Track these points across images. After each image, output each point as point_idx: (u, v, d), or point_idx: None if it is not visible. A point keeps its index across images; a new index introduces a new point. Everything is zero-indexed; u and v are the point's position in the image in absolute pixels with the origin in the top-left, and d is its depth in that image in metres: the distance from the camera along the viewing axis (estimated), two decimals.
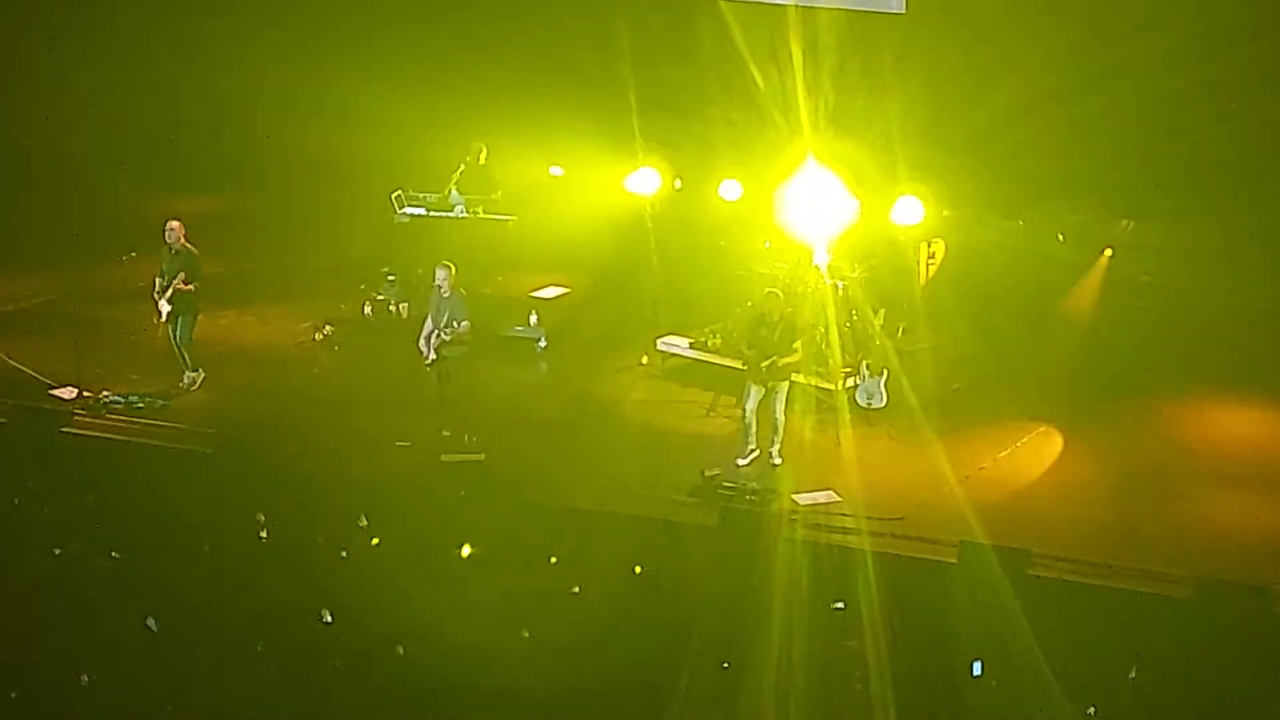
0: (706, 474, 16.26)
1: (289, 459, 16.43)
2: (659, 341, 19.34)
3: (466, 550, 14.88)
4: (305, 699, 12.80)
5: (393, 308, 20.28)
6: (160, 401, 17.83)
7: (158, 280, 17.90)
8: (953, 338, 18.75)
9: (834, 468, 16.63)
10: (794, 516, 15.54)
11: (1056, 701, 12.81)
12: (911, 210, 18.56)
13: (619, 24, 22.49)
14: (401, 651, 13.28)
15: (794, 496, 15.96)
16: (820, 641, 13.40)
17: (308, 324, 20.26)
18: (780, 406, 16.58)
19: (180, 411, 17.70)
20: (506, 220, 20.79)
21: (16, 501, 15.52)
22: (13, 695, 12.67)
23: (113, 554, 14.53)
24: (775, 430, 16.62)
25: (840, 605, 13.95)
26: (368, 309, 20.35)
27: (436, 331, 16.83)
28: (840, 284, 18.91)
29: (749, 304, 16.79)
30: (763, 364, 16.37)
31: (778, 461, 16.62)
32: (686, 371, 19.00)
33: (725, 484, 16.10)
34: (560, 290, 21.33)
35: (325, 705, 12.78)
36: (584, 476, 16.25)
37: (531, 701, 12.80)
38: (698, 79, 22.00)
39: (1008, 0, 20.90)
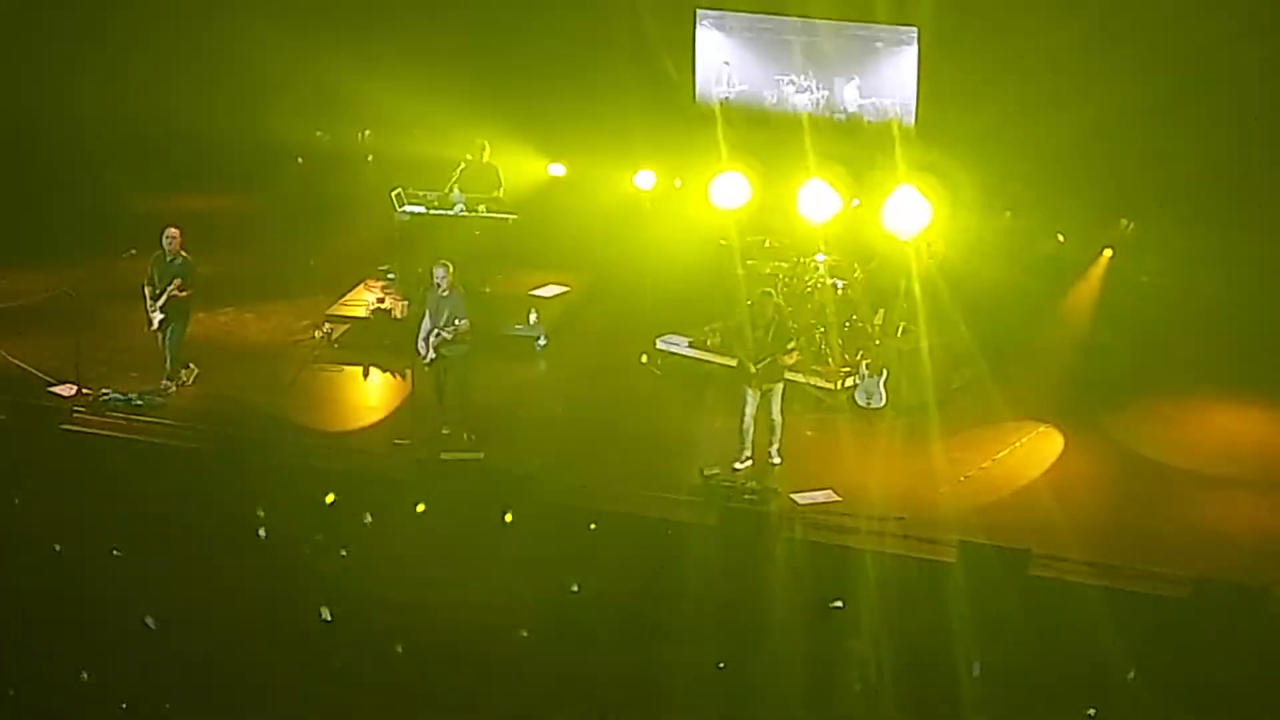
0: (705, 473, 16.26)
1: (288, 456, 16.44)
2: (658, 340, 19.33)
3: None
4: (305, 696, 12.80)
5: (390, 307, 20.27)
6: (159, 399, 17.82)
7: (147, 289, 17.79)
8: (952, 338, 18.74)
9: (833, 467, 16.62)
10: (793, 516, 15.53)
11: (1056, 702, 12.82)
12: (912, 209, 18.53)
13: (618, 24, 22.56)
14: (400, 650, 13.28)
15: (793, 496, 15.95)
16: (819, 641, 13.40)
17: (307, 322, 20.26)
18: (777, 407, 16.54)
19: (179, 409, 17.69)
20: (507, 219, 20.75)
21: (16, 500, 15.50)
22: (11, 692, 12.67)
23: (114, 551, 14.52)
24: (774, 430, 16.60)
25: (839, 604, 13.96)
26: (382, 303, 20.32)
27: (436, 330, 16.81)
28: (840, 283, 18.93)
29: (748, 304, 16.76)
30: (754, 366, 16.34)
31: (776, 461, 16.61)
32: (686, 370, 18.99)
33: (724, 483, 16.09)
34: (560, 289, 21.32)
35: (325, 703, 12.78)
36: (583, 475, 16.23)
37: (529, 700, 12.80)
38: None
39: (1009, 3, 20.97)
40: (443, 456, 16.62)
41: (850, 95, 21.99)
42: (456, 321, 16.73)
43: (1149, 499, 16.15)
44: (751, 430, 16.50)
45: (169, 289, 17.59)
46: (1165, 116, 19.74)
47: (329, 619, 13.68)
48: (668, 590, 13.97)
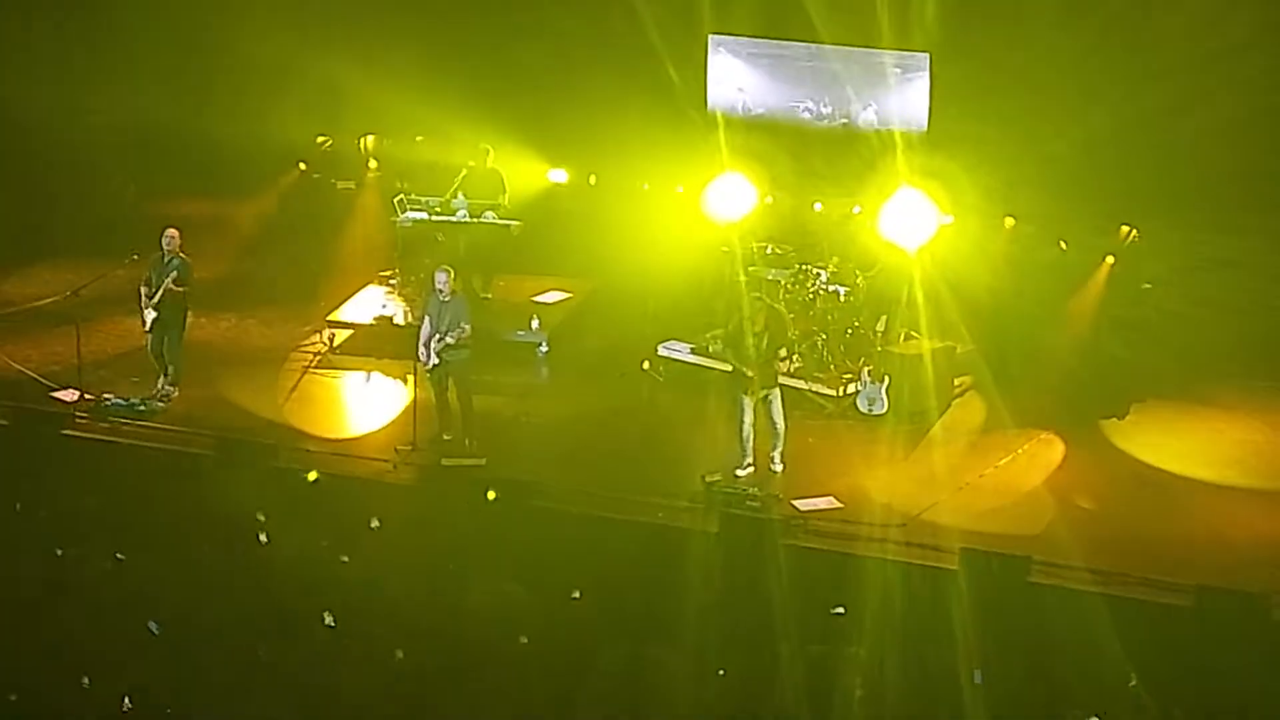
0: (707, 479, 16.25)
1: (290, 462, 16.44)
2: (660, 347, 19.33)
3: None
4: (307, 702, 12.79)
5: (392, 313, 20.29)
6: (161, 404, 17.81)
7: (144, 289, 17.76)
8: (954, 344, 18.73)
9: (835, 473, 16.62)
10: (795, 522, 15.52)
11: (1057, 709, 12.80)
12: (915, 215, 18.53)
13: (621, 29, 22.58)
14: (401, 655, 13.27)
15: (794, 502, 15.94)
16: (820, 647, 13.38)
17: (309, 327, 20.27)
18: (779, 413, 16.51)
19: (182, 415, 17.68)
20: (510, 225, 20.75)
21: (17, 504, 15.49)
22: (12, 698, 12.66)
23: (116, 556, 14.52)
24: (776, 437, 16.59)
25: (840, 611, 13.95)
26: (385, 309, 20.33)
27: (438, 335, 16.80)
28: (842, 290, 18.93)
29: (743, 310, 16.78)
30: (749, 372, 16.32)
31: (779, 468, 16.59)
32: (688, 377, 18.98)
33: (726, 489, 16.08)
34: (562, 295, 21.32)
35: (327, 708, 12.77)
36: (585, 481, 16.22)
37: (530, 707, 12.79)
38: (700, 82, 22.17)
39: (1011, 6, 20.98)
40: (444, 463, 16.63)
41: (867, 121, 22.03)
42: (460, 327, 16.73)
43: (1151, 506, 16.14)
44: (752, 437, 16.49)
45: (165, 283, 17.56)
46: (1168, 124, 19.77)
47: (332, 624, 13.65)
48: (669, 597, 13.94)
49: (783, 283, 19.27)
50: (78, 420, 17.38)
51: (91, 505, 15.62)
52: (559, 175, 23.37)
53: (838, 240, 19.97)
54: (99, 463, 16.74)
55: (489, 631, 13.48)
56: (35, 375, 18.45)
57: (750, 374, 16.28)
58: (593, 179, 23.37)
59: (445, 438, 17.10)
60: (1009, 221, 21.41)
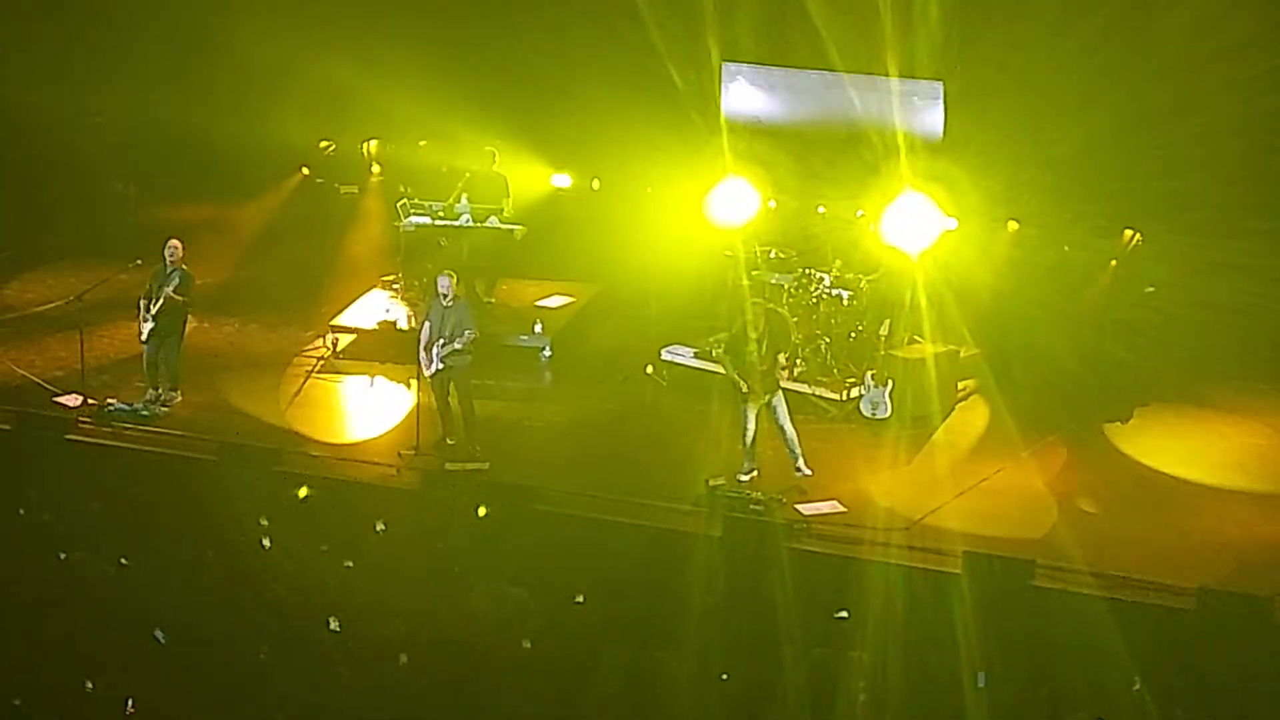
0: (710, 483, 16.23)
1: (294, 467, 16.45)
2: (663, 351, 19.34)
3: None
4: (310, 706, 12.79)
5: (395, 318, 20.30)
6: (164, 409, 17.83)
7: (143, 301, 17.77)
8: (957, 348, 18.73)
9: (838, 477, 16.61)
10: (798, 526, 15.52)
11: (1061, 713, 12.79)
12: (918, 219, 18.54)
13: (625, 33, 22.58)
14: (404, 660, 13.28)
15: (798, 506, 15.93)
16: (823, 651, 13.37)
17: (312, 332, 20.28)
18: (784, 416, 16.46)
19: (185, 419, 17.70)
20: (513, 230, 20.76)
21: (21, 509, 15.51)
22: (16, 703, 12.66)
23: (121, 560, 14.52)
24: (790, 443, 16.47)
25: (844, 615, 13.94)
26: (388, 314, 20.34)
27: (442, 340, 16.80)
28: (846, 294, 18.93)
29: (744, 315, 16.78)
30: (748, 380, 16.30)
31: (807, 473, 16.44)
32: (691, 381, 18.98)
33: (729, 494, 16.08)
34: (565, 299, 21.33)
35: (330, 712, 12.77)
36: (588, 485, 16.23)
37: (533, 711, 12.79)
38: (704, 86, 22.15)
39: (1014, 10, 20.97)
40: (448, 467, 16.63)
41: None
42: (465, 332, 16.73)
43: (1154, 510, 16.13)
44: (755, 441, 16.48)
45: (166, 291, 17.56)
46: (1171, 127, 19.73)
47: (336, 629, 13.65)
48: (672, 601, 13.95)
49: (786, 287, 19.27)
50: (81, 425, 17.39)
51: (95, 510, 15.63)
52: (562, 180, 23.39)
53: (841, 244, 19.96)
54: (102, 467, 16.75)
55: (492, 635, 13.48)
56: (39, 380, 18.48)
57: (746, 385, 16.24)
58: (596, 183, 23.39)
59: (448, 442, 17.11)
60: (1012, 225, 21.41)
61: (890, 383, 17.87)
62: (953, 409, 18.28)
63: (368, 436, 17.81)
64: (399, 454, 16.93)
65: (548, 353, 19.97)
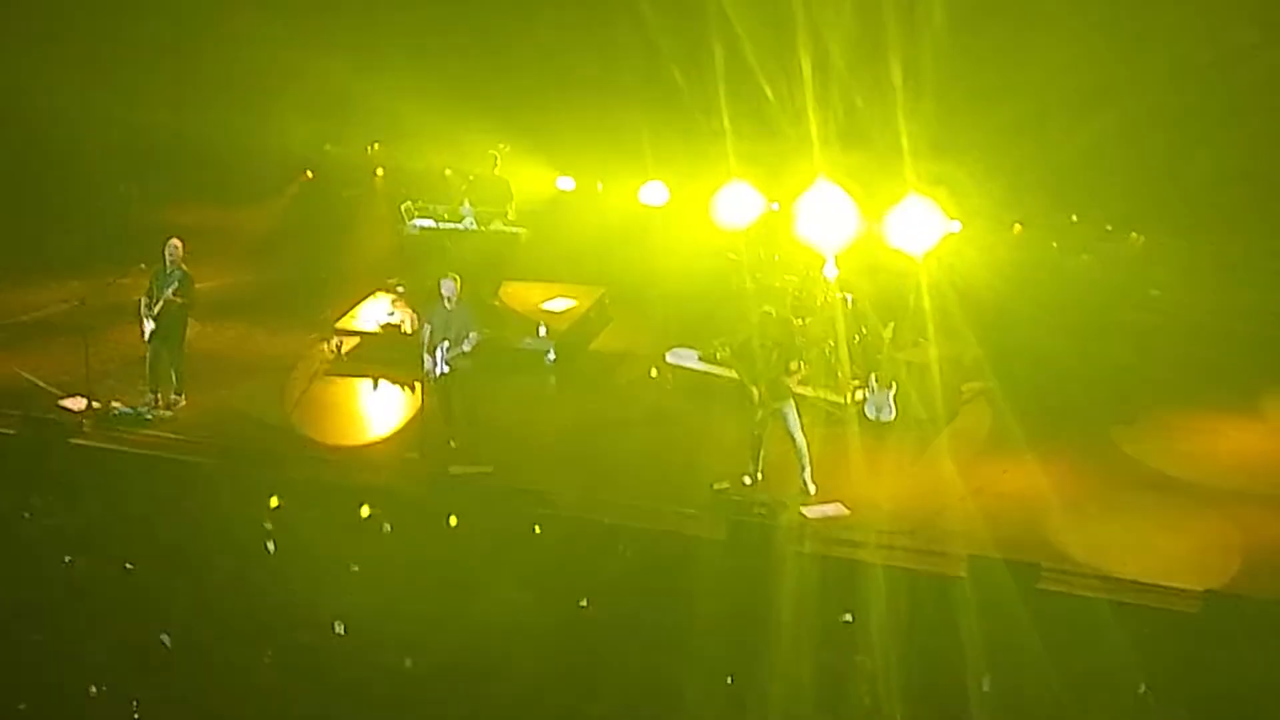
0: (715, 487, 16.24)
1: (298, 470, 16.45)
2: (668, 354, 19.33)
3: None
4: (315, 710, 12.79)
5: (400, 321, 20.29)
6: (168, 412, 17.83)
7: (144, 300, 17.79)
8: (962, 351, 18.73)
9: (843, 480, 16.59)
10: (802, 530, 15.51)
11: (1066, 716, 12.78)
12: (922, 222, 18.54)
13: (627, 36, 22.59)
14: (409, 664, 13.27)
15: (802, 509, 15.94)
16: (828, 655, 13.37)
17: (316, 335, 20.28)
18: (794, 426, 16.29)
19: (189, 423, 17.71)
20: (517, 233, 20.75)
21: (26, 513, 15.52)
22: (21, 706, 12.67)
23: (126, 564, 14.52)
24: (800, 456, 16.34)
25: (849, 618, 13.94)
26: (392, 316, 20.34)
27: (446, 343, 16.80)
28: (850, 297, 18.92)
29: (753, 324, 16.76)
30: (759, 386, 16.28)
31: (813, 489, 16.31)
32: (696, 384, 18.97)
33: (734, 497, 16.07)
34: (569, 303, 21.32)
35: (335, 716, 12.77)
36: (592, 489, 16.22)
37: (538, 714, 12.78)
38: (707, 89, 22.13)
39: (1016, 12, 20.98)
40: (452, 471, 16.63)
41: None
42: (471, 335, 16.72)
43: (1160, 513, 16.11)
44: (761, 445, 16.46)
45: (166, 294, 17.57)
46: (1175, 129, 19.74)
47: (342, 632, 13.65)
48: (677, 604, 13.94)
49: (790, 290, 19.25)
50: (85, 429, 17.39)
51: (100, 513, 15.63)
52: (566, 182, 23.38)
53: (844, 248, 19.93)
54: (107, 471, 16.76)
55: (497, 639, 13.47)
56: (43, 384, 18.48)
57: (756, 390, 16.23)
58: (600, 186, 23.38)
59: (452, 445, 17.10)
60: (1016, 228, 21.40)
61: (895, 385, 17.86)
62: (957, 412, 18.25)
63: (372, 440, 17.81)
64: (403, 458, 16.91)
65: (552, 356, 19.96)
